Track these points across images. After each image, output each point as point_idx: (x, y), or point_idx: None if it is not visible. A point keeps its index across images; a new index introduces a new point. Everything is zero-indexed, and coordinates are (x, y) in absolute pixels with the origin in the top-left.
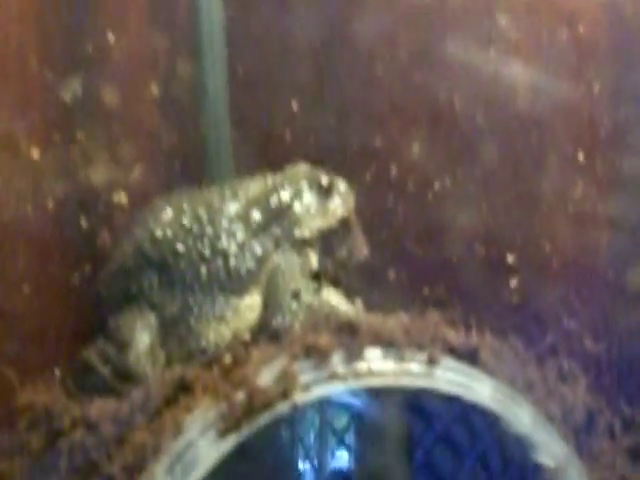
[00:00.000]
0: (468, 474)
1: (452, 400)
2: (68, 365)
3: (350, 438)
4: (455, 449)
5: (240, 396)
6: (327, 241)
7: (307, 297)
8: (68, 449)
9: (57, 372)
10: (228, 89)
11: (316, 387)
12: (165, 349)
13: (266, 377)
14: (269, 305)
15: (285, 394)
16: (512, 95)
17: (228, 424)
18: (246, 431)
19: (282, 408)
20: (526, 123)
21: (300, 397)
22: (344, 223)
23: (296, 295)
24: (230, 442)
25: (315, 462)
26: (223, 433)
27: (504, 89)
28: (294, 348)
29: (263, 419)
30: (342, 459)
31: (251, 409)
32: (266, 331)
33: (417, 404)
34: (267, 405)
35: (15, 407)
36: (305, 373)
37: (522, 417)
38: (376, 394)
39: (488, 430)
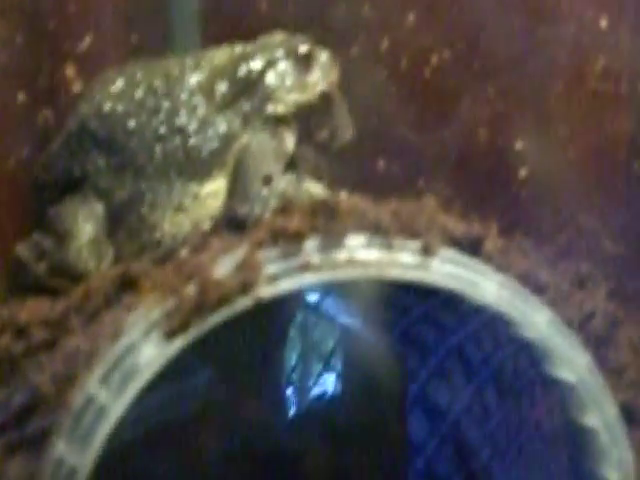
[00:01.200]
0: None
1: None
2: (1, 263)
3: (336, 362)
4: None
5: (190, 290)
6: (306, 120)
7: (280, 184)
8: None
9: None
10: None
11: (284, 279)
12: (113, 242)
13: (224, 267)
14: (235, 191)
15: (245, 287)
16: None
17: (174, 323)
18: (197, 331)
19: (242, 303)
20: None
21: (264, 291)
22: (325, 99)
23: (267, 181)
24: (177, 344)
25: (297, 385)
26: (169, 334)
27: None
28: (259, 233)
29: (218, 316)
30: (327, 383)
31: (203, 304)
32: (230, 221)
33: (410, 335)
34: (223, 300)
35: None
36: (272, 263)
37: (535, 319)
38: (365, 315)
39: (484, 364)
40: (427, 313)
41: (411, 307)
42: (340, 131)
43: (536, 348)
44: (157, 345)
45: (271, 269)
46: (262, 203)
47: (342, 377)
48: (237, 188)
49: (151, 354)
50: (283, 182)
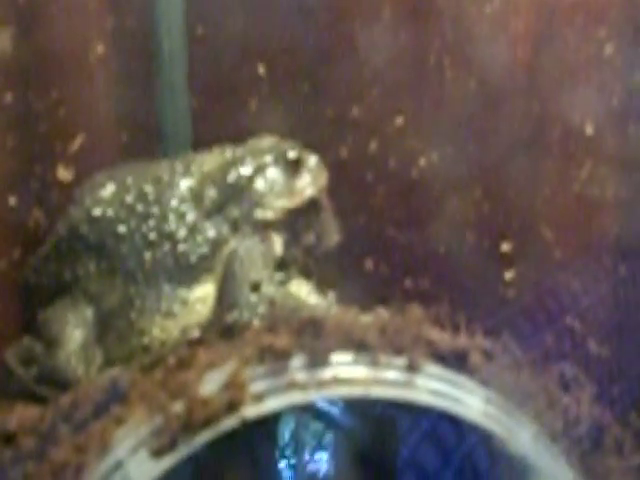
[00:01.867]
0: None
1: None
2: None
3: (328, 441)
4: (441, 447)
5: (178, 408)
6: (293, 225)
7: (269, 289)
8: None
9: None
10: (186, 50)
11: (270, 398)
12: (102, 348)
13: (210, 385)
14: (224, 297)
15: (232, 406)
16: (510, 59)
17: (162, 442)
18: (184, 450)
19: (228, 423)
20: (526, 91)
21: (250, 410)
22: (313, 204)
23: (256, 287)
24: (165, 463)
25: (292, 463)
26: (156, 452)
27: (500, 51)
28: (245, 350)
29: (204, 436)
30: (320, 461)
31: (190, 424)
32: (219, 328)
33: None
34: (209, 419)
35: None
36: (258, 381)
37: (520, 435)
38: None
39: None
40: None
41: None
42: (326, 236)
43: (520, 463)
44: (144, 463)
45: (257, 387)
46: (251, 309)
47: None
48: (225, 294)
49: (138, 472)
50: (272, 288)
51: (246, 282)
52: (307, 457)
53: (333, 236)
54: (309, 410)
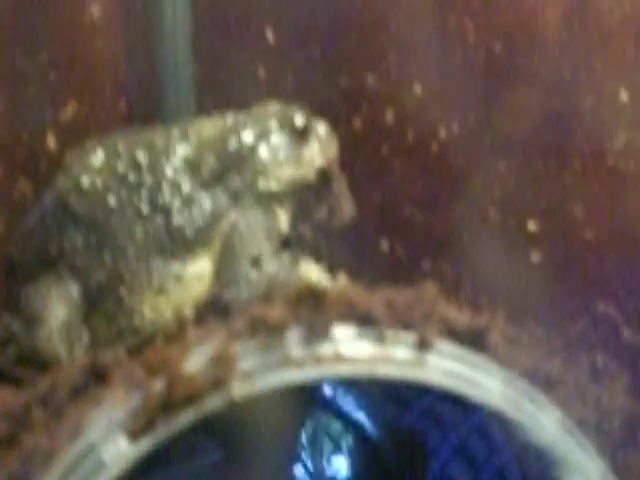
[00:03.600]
0: None
1: (469, 408)
2: None
3: (347, 444)
4: (472, 462)
5: (158, 385)
6: (302, 199)
7: (270, 266)
8: None
9: None
10: (190, 14)
11: (262, 375)
12: (89, 327)
13: (196, 361)
14: (221, 273)
15: (218, 383)
16: (539, 20)
17: (139, 422)
18: (163, 432)
19: (212, 402)
20: (555, 56)
21: (238, 389)
22: (323, 175)
23: (256, 262)
24: (142, 446)
25: (309, 467)
26: (133, 434)
27: (528, 12)
28: (235, 323)
29: (187, 416)
30: (339, 465)
31: (170, 402)
32: (215, 305)
33: (431, 411)
34: (191, 398)
35: None
36: (248, 356)
37: (544, 423)
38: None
39: (508, 442)
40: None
41: None
42: (339, 209)
43: (545, 453)
44: (119, 446)
45: (247, 364)
46: (250, 286)
47: (354, 460)
48: (223, 270)
49: (112, 456)
50: (274, 264)
51: (246, 257)
52: (325, 461)
53: (347, 209)
54: (328, 408)
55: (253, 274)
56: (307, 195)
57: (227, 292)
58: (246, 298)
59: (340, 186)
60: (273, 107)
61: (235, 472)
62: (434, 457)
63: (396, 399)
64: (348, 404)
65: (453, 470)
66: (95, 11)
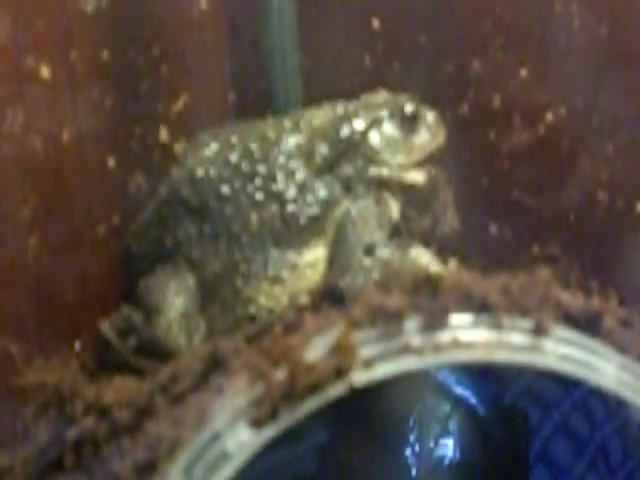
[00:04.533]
0: (587, 465)
1: (570, 385)
2: (90, 337)
3: (454, 425)
4: (574, 439)
5: (280, 375)
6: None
7: (384, 253)
8: (75, 440)
9: (76, 346)
10: (296, 6)
11: (382, 363)
12: (206, 316)
13: (317, 350)
14: (336, 261)
15: (339, 372)
16: None
17: (262, 411)
18: (287, 420)
19: (335, 390)
20: None
21: (359, 376)
22: (432, 185)
23: (370, 250)
24: (265, 434)
25: (416, 449)
26: (256, 423)
27: None
28: (355, 311)
29: (309, 405)
30: (446, 447)
31: (293, 392)
32: (330, 293)
33: (531, 390)
34: (314, 386)
35: (21, 389)
36: (368, 345)
37: None
38: (479, 378)
39: (609, 418)
40: None
41: None
42: (445, 220)
43: None
44: (243, 434)
45: (367, 352)
46: (364, 274)
47: (461, 440)
48: (337, 257)
49: (236, 445)
50: (387, 251)
51: (359, 245)
52: (432, 443)
53: (451, 222)
54: (435, 389)
55: (367, 262)
56: (413, 202)
57: (342, 280)
58: (360, 285)
59: (446, 199)
60: (383, 95)
61: (341, 454)
62: (536, 435)
63: (496, 378)
64: (454, 385)
65: (555, 447)
66: (202, 4)
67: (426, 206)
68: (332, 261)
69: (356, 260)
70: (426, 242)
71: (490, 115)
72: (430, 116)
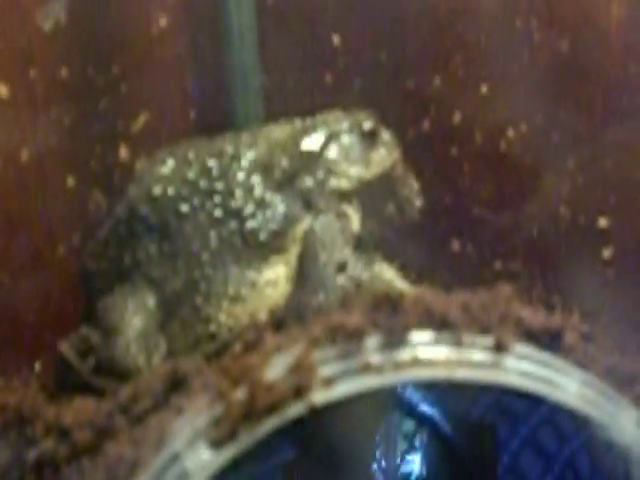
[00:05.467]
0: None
1: (537, 400)
2: (50, 358)
3: (421, 441)
4: (543, 453)
5: (239, 394)
6: (369, 199)
7: (355, 269)
8: (36, 461)
9: (37, 366)
10: (256, 23)
11: (342, 382)
12: (166, 335)
13: (276, 369)
14: (308, 281)
15: (299, 391)
16: (604, 17)
17: (222, 431)
18: (246, 440)
19: (294, 410)
20: (621, 53)
21: (319, 396)
22: (387, 176)
23: (342, 267)
24: (225, 455)
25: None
26: (215, 443)
27: (593, 10)
28: (315, 330)
29: (269, 424)
30: (413, 463)
31: (252, 411)
32: (292, 311)
33: (499, 405)
34: (274, 406)
35: None
36: (328, 364)
37: (622, 422)
38: (445, 393)
39: (577, 432)
40: None
41: None
42: (407, 204)
43: (624, 452)
44: (203, 455)
45: (327, 371)
46: (337, 291)
47: (428, 456)
48: (309, 277)
49: (196, 465)
50: (358, 268)
51: (331, 263)
52: (398, 459)
53: (414, 203)
54: (400, 406)
55: (340, 279)
56: (374, 195)
57: (314, 298)
58: (334, 303)
59: (406, 182)
60: (340, 113)
61: (307, 471)
62: (504, 449)
63: (463, 393)
64: (419, 401)
65: (524, 461)
66: (162, 22)
67: (388, 194)
68: (302, 280)
69: (330, 279)
70: (388, 258)
71: (451, 131)
72: (386, 135)
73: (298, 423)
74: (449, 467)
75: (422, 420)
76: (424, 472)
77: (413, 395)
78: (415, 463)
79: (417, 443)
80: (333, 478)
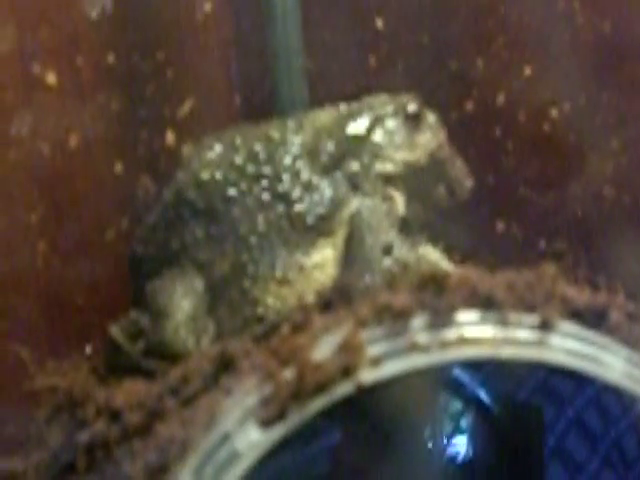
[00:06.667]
0: (602, 461)
1: (583, 381)
2: (100, 341)
3: (467, 423)
4: (589, 435)
5: (288, 375)
6: (417, 182)
7: (401, 251)
8: (88, 444)
9: (87, 350)
10: (300, 7)
11: (389, 361)
12: (214, 318)
13: (324, 349)
14: (355, 264)
15: (347, 371)
16: None
17: (270, 411)
18: (295, 419)
19: (343, 389)
20: None
21: (367, 375)
22: (434, 159)
23: (388, 250)
24: (274, 434)
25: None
26: (264, 423)
27: None
28: (362, 310)
29: (317, 404)
30: (459, 445)
31: (301, 391)
32: (339, 293)
33: (545, 386)
34: (322, 385)
35: (33, 393)
36: (375, 343)
37: None
38: (493, 376)
39: (624, 413)
40: None
41: None
42: (458, 184)
43: None
44: (252, 435)
45: (375, 350)
46: (384, 273)
47: (474, 438)
48: (357, 260)
49: (246, 445)
50: (404, 250)
51: (377, 246)
52: (445, 440)
53: (464, 183)
54: (447, 387)
55: (387, 261)
56: (423, 179)
57: (361, 280)
58: (381, 285)
59: (454, 164)
60: (385, 97)
61: (354, 452)
62: (550, 431)
63: (509, 375)
64: (466, 382)
65: (569, 444)
66: (206, 7)
67: (437, 176)
68: (350, 262)
69: (377, 261)
70: (433, 239)
71: (495, 113)
72: (431, 117)
73: (346, 404)
74: (495, 449)
75: (469, 401)
76: (470, 453)
77: (460, 376)
78: (462, 444)
79: (464, 424)
80: (379, 460)
